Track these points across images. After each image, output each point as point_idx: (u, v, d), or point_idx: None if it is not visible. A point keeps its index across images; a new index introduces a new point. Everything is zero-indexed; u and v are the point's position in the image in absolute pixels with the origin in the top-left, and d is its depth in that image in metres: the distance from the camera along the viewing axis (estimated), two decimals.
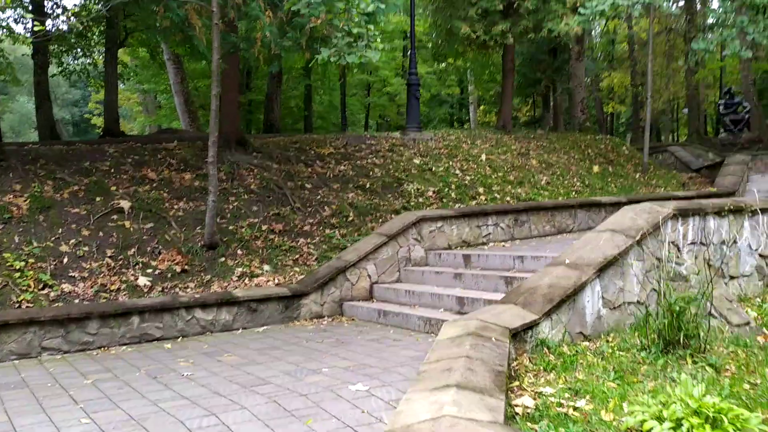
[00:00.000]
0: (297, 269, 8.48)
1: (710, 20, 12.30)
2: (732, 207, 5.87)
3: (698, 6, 28.95)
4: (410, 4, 12.78)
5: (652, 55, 15.14)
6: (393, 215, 10.14)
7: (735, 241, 5.88)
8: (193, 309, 6.61)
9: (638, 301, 5.16)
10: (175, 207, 9.02)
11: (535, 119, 36.78)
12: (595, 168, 13.79)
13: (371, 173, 11.18)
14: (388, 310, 6.75)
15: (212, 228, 8.26)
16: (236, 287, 7.77)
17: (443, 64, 29.74)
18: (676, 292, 5.08)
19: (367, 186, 10.72)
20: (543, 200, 9.85)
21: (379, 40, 8.06)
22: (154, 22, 9.97)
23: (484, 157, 12.61)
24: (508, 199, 11.35)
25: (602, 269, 4.92)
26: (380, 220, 9.93)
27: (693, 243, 5.54)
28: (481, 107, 40.98)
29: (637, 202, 10.52)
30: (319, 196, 10.18)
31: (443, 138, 13.35)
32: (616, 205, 10.08)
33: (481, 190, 11.42)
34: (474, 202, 10.95)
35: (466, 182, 11.56)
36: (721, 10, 12.17)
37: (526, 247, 7.89)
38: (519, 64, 17.21)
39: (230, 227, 8.95)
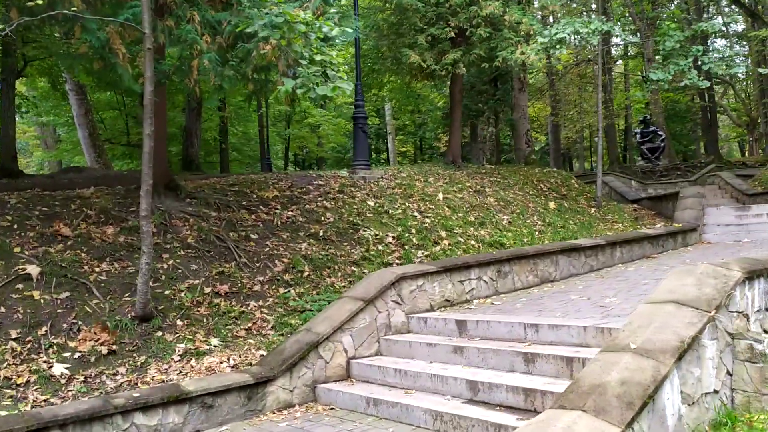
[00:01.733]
0: (251, 341, 7.06)
1: (663, 50, 11.98)
2: None
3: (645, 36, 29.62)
4: (355, 30, 11.72)
5: (600, 87, 14.79)
6: (352, 267, 8.92)
7: None
8: (132, 413, 5.09)
9: (714, 390, 4.19)
10: (97, 270, 7.40)
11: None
12: (551, 204, 13.11)
13: (323, 218, 9.91)
14: (379, 399, 5.48)
15: (146, 296, 6.73)
16: (180, 371, 6.27)
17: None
18: (758, 378, 4.15)
19: (320, 234, 9.44)
20: (523, 247, 8.94)
21: (342, 69, 6.91)
22: (65, 48, 8.39)
23: (440, 196, 11.62)
24: (473, 243, 10.37)
25: (681, 356, 3.91)
26: (339, 274, 8.68)
27: (758, 310, 4.65)
28: (399, 137, 40.60)
29: (615, 243, 9.84)
30: (267, 248, 8.81)
31: (394, 176, 12.29)
32: (595, 248, 9.31)
33: (443, 233, 10.38)
34: (438, 248, 9.90)
35: (427, 225, 10.50)
36: (674, 40, 11.88)
37: (523, 308, 6.85)
38: (450, 97, 16.47)
39: (166, 292, 7.42)
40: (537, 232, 11.45)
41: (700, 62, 11.87)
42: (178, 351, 6.62)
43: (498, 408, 4.84)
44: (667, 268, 8.86)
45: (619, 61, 41.88)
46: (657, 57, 12.14)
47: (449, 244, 10.10)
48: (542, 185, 14.34)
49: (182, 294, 7.45)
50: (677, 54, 12.11)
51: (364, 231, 9.81)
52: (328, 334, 6.25)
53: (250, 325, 7.36)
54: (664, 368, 3.80)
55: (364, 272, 8.87)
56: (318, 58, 6.57)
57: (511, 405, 4.82)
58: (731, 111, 42.81)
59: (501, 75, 16.54)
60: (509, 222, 11.53)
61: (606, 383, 3.76)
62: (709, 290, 4.32)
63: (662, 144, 33.57)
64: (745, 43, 32.31)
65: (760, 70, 12.07)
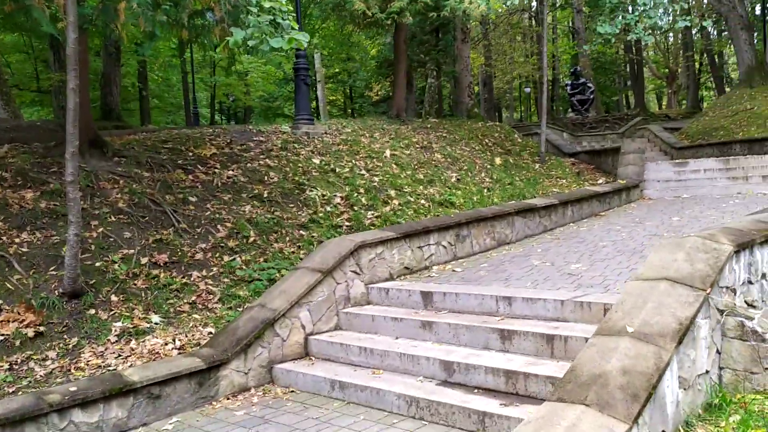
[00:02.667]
0: (197, 317, 6.51)
1: (609, 2, 11.75)
2: None
3: None
4: None
5: (545, 38, 14.50)
6: (301, 231, 8.40)
7: None
8: (70, 410, 4.51)
9: (706, 371, 4.01)
10: (17, 241, 6.59)
11: (389, 95, 35.96)
12: (497, 160, 12.89)
13: (267, 178, 9.28)
14: (345, 381, 5.10)
15: (75, 270, 6.03)
16: (119, 354, 5.68)
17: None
18: (748, 356, 4.00)
19: (265, 195, 8.84)
20: (479, 208, 8.65)
21: (292, 18, 6.24)
22: None
23: (388, 153, 11.15)
24: (423, 202, 10.02)
25: (680, 340, 3.68)
26: (287, 239, 8.15)
27: (743, 283, 4.50)
28: (329, 85, 39.54)
29: (567, 202, 9.71)
30: (208, 212, 8.14)
31: (339, 131, 11.69)
32: (549, 208, 9.15)
33: (392, 193, 9.97)
34: (388, 209, 9.49)
35: (375, 184, 10.04)
36: None
37: (487, 275, 6.56)
38: (394, 48, 15.82)
39: (97, 264, 6.71)
40: (485, 190, 11.21)
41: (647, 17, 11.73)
42: (115, 331, 6.00)
43: (476, 391, 4.54)
44: (620, 228, 8.81)
45: (547, 12, 41.91)
46: (605, 9, 11.92)
47: (399, 204, 9.71)
48: (487, 140, 14.09)
49: (116, 266, 6.76)
50: (620, 6, 11.92)
51: (311, 191, 9.26)
52: (284, 310, 5.78)
53: (194, 298, 6.78)
54: (665, 354, 3.56)
55: (312, 236, 8.38)
56: (267, 5, 5.88)
57: (490, 388, 4.53)
58: (652, 63, 43.89)
59: (443, 25, 15.99)
60: (458, 179, 11.23)
61: (607, 373, 3.48)
62: (702, 266, 4.10)
63: (591, 96, 34.05)
64: None
65: (681, 23, 12.04)
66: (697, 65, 39.45)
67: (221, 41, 6.96)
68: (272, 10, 5.89)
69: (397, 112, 13.58)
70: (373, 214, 9.23)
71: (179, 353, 5.64)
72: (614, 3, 11.83)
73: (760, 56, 22.83)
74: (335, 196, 9.37)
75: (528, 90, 46.59)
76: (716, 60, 39.43)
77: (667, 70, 42.08)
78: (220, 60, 33.38)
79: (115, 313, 6.23)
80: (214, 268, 7.30)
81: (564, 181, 13.05)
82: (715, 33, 38.94)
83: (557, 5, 37.58)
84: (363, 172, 10.29)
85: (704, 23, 12.40)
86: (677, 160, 13.37)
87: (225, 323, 6.37)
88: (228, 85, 35.42)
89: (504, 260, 7.33)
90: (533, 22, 41.12)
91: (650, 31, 12.14)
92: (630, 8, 11.51)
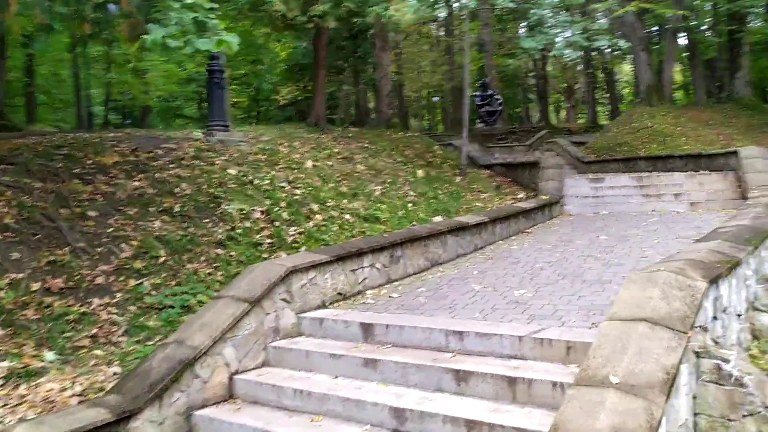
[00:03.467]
0: (99, 353, 5.66)
1: (531, 17, 11.75)
2: (733, 264, 4.69)
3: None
4: None
5: (467, 49, 14.36)
6: (217, 249, 7.65)
7: (726, 308, 4.75)
8: None
9: (685, 420, 3.72)
10: None
11: (297, 100, 35.17)
12: (420, 172, 12.57)
13: (178, 190, 8.43)
14: None
15: None
16: (5, 403, 4.77)
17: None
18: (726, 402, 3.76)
19: (176, 209, 8.01)
20: (416, 226, 8.18)
21: (213, 16, 5.55)
22: None
23: (309, 163, 10.53)
24: (348, 217, 9.48)
25: (669, 392, 3.36)
26: (202, 259, 7.39)
27: (711, 320, 4.28)
28: (234, 87, 38.23)
29: (496, 220, 9.47)
30: (111, 229, 7.24)
31: (256, 139, 10.95)
32: (479, 226, 8.87)
33: (315, 207, 9.36)
34: (311, 224, 8.88)
35: (297, 197, 9.41)
36: (543, 9, 11.65)
37: (428, 302, 6.11)
38: (314, 53, 15.19)
39: None
40: (410, 204, 10.83)
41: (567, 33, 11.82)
42: (1, 372, 5.07)
43: None
44: (551, 248, 8.65)
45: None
46: (528, 23, 11.90)
47: (323, 219, 9.12)
48: (408, 151, 13.75)
49: (1, 293, 5.78)
50: (540, 23, 11.95)
51: (228, 205, 8.51)
52: (206, 347, 5.06)
53: (95, 330, 5.92)
54: (656, 409, 3.21)
55: (231, 255, 7.65)
56: (189, 0, 5.15)
57: None
58: (551, 77, 45.54)
59: (362, 31, 15.53)
60: (382, 193, 10.78)
61: None
62: (679, 305, 3.82)
63: (499, 108, 34.71)
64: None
65: (600, 42, 12.25)
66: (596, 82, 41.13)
67: (130, 38, 6.16)
68: (195, 5, 5.17)
69: (316, 120, 12.97)
70: (295, 231, 8.60)
71: (80, 402, 4.80)
72: (536, 19, 11.84)
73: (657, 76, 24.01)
74: (254, 210, 8.66)
75: (436, 99, 47.09)
76: (612, 78, 41.44)
77: (566, 84, 43.82)
78: (116, 56, 31.39)
79: (0, 351, 5.29)
80: (119, 295, 6.44)
81: (485, 194, 12.91)
82: (610, 51, 40.95)
83: (465, 18, 38.17)
84: (284, 184, 9.62)
85: (621, 44, 12.61)
86: (592, 175, 13.56)
87: (133, 361, 5.57)
88: (125, 83, 33.37)
89: (441, 284, 6.91)
90: (442, 32, 41.60)
91: (570, 49, 12.24)
92: (551, 25, 11.54)
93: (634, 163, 17.17)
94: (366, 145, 12.72)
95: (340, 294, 6.42)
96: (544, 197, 11.63)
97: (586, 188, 12.90)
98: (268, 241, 8.19)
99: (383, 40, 16.06)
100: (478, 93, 34.73)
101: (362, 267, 6.74)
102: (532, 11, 11.33)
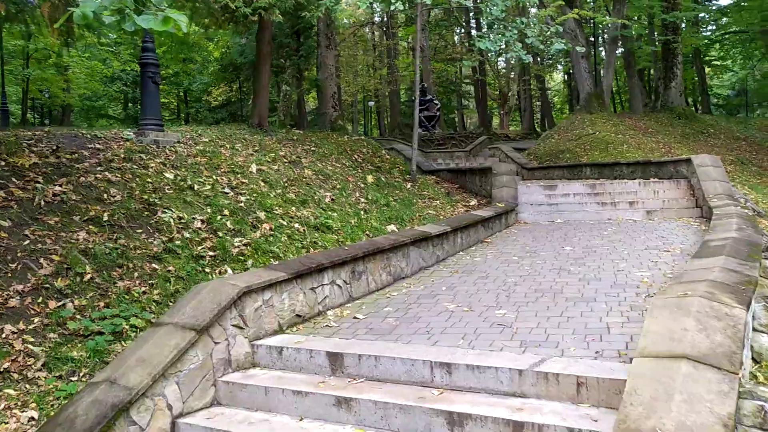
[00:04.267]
0: (12, 392, 4.71)
1: (487, 18, 11.32)
2: (753, 284, 4.20)
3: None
4: None
5: (418, 53, 13.78)
6: (153, 264, 6.74)
7: None
8: None
9: None
10: None
11: (230, 101, 33.93)
12: (369, 178, 11.89)
13: (107, 197, 7.44)
14: None
15: None
16: None
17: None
18: None
19: (105, 218, 7.03)
20: (378, 238, 7.44)
21: None
22: None
23: (254, 167, 9.68)
24: (297, 226, 8.70)
25: None
26: (135, 275, 6.47)
27: None
28: (162, 87, 36.61)
29: (457, 229, 8.90)
30: (27, 241, 6.22)
31: (194, 140, 9.99)
32: (441, 236, 8.27)
33: (262, 215, 8.54)
34: (258, 234, 8.06)
35: (242, 205, 8.56)
36: (499, 8, 11.22)
37: (399, 324, 5.42)
38: (257, 49, 14.26)
39: None
40: (362, 212, 10.14)
41: (524, 35, 11.45)
42: None
43: None
44: (517, 259, 8.15)
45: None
46: (482, 25, 11.44)
47: (271, 229, 8.31)
48: (356, 156, 13.06)
49: None
50: (500, 24, 11.53)
51: (164, 213, 7.58)
52: (144, 387, 4.20)
53: (7, 364, 4.96)
54: None
55: (168, 270, 6.75)
56: None
57: None
58: (486, 84, 45.92)
59: (305, 28, 14.74)
60: (332, 199, 10.04)
61: None
62: (721, 338, 3.29)
63: (438, 113, 34.53)
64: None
65: (557, 45, 11.94)
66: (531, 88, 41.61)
67: (51, 21, 5.24)
68: None
69: (259, 120, 12.08)
70: (241, 242, 7.76)
71: None
72: (491, 20, 11.43)
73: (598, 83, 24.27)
74: (194, 219, 7.77)
75: (372, 104, 46.59)
76: (545, 85, 42.13)
77: (499, 92, 44.22)
78: (35, 51, 29.35)
79: None
80: (36, 319, 5.46)
81: (437, 201, 12.36)
82: (540, 60, 41.64)
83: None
84: (227, 189, 8.75)
85: (578, 48, 12.34)
86: (544, 182, 13.26)
87: (54, 402, 4.65)
88: (44, 80, 31.28)
89: (409, 302, 6.25)
90: (378, 36, 41.20)
91: (526, 52, 11.88)
92: (508, 26, 11.15)
93: (579, 169, 17.10)
94: (313, 149, 11.94)
95: (298, 316, 5.66)
96: (501, 205, 11.17)
97: (540, 195, 12.55)
98: (211, 253, 7.32)
99: (328, 39, 15.30)
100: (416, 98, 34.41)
101: (322, 284, 5.99)
102: (488, 10, 10.88)
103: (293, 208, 9.12)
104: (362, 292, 6.57)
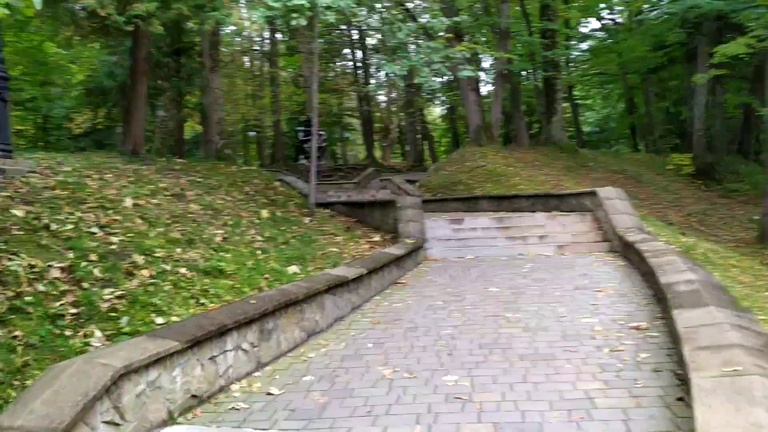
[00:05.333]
0: None
1: (391, 42, 10.59)
2: None
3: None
4: None
5: (316, 78, 12.77)
6: None
7: None
8: None
9: None
10: None
11: (95, 129, 31.19)
12: (264, 213, 10.61)
13: None
14: None
15: None
16: None
17: None
18: None
19: None
20: (289, 286, 6.15)
21: None
22: None
23: (129, 201, 8.15)
24: (184, 271, 7.27)
25: None
26: None
27: None
28: (17, 113, 33.10)
29: (372, 272, 7.87)
30: None
31: (53, 169, 8.30)
32: (358, 280, 7.22)
33: (139, 259, 7.04)
34: (135, 283, 6.57)
35: (114, 247, 7.01)
36: (404, 32, 10.52)
37: (329, 402, 4.26)
38: (132, 66, 12.56)
39: None
40: (260, 252, 8.85)
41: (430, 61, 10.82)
42: None
43: None
44: (442, 304, 7.25)
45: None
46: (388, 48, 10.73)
47: (151, 276, 6.84)
48: (248, 188, 11.73)
49: None
50: (400, 48, 10.85)
51: (10, 261, 5.93)
52: None
53: None
54: None
55: (14, 336, 5.15)
56: None
57: None
58: (372, 115, 45.94)
59: (187, 48, 13.30)
60: (224, 238, 8.68)
61: None
62: None
63: (324, 144, 33.67)
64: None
65: (464, 73, 11.43)
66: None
67: None
68: None
69: (134, 147, 10.48)
70: (113, 293, 6.23)
71: None
72: (395, 43, 10.71)
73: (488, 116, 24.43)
74: (51, 267, 6.16)
75: (253, 134, 44.97)
76: (423, 118, 42.69)
77: (381, 124, 44.29)
78: None
79: None
80: None
81: (339, 238, 11.28)
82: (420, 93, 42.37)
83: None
84: (94, 229, 7.17)
85: (487, 74, 11.88)
86: (449, 216, 12.60)
87: None
88: None
89: (333, 366, 5.10)
90: (259, 64, 39.97)
91: (434, 77, 11.27)
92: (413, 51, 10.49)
93: (476, 202, 16.72)
94: (199, 180, 10.50)
95: (195, 397, 4.33)
96: (410, 241, 10.29)
97: (446, 230, 11.85)
98: (73, 310, 5.76)
99: (214, 60, 13.90)
100: (300, 128, 33.33)
101: (225, 351, 4.71)
102: (393, 34, 10.15)
103: (178, 250, 7.68)
104: (273, 355, 5.34)
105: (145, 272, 6.97)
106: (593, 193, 11.72)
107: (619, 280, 7.99)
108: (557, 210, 13.17)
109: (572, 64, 35.05)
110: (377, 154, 51.30)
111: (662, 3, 28.92)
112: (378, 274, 7.99)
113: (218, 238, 8.57)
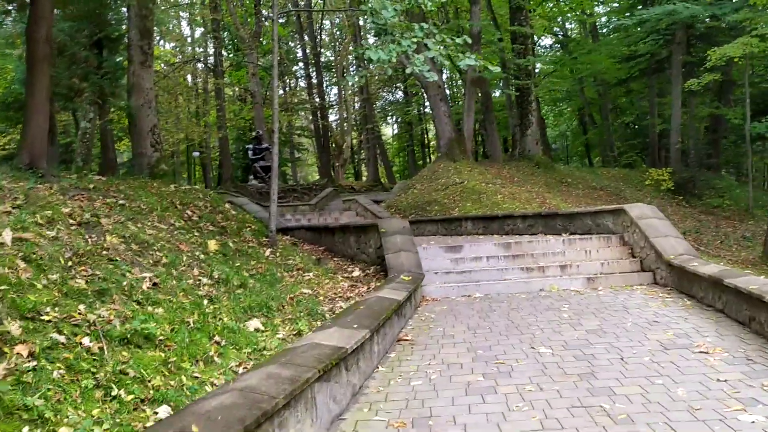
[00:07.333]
0: None
1: (375, 23, 8.32)
2: None
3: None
4: None
5: (276, 95, 10.33)
6: None
7: None
8: None
9: None
10: None
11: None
12: (212, 244, 8.04)
13: None
14: None
15: None
16: None
17: None
18: None
19: None
20: (250, 373, 3.66)
21: None
22: None
23: (7, 235, 5.50)
24: (88, 344, 4.69)
25: None
26: None
27: None
28: None
29: (374, 332, 5.42)
30: None
31: None
32: (358, 350, 4.77)
33: (14, 327, 4.46)
34: (1, 368, 3.98)
35: None
36: (387, 12, 8.24)
37: None
38: (27, 50, 9.74)
39: None
40: (207, 300, 6.31)
41: (425, 47, 8.59)
42: None
43: None
44: (481, 380, 4.88)
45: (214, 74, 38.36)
46: (369, 34, 8.46)
47: (31, 355, 4.26)
48: (190, 212, 9.12)
49: None
50: (385, 31, 8.59)
51: None
52: None
53: None
54: None
55: None
56: None
57: None
58: (329, 132, 43.72)
59: (110, 39, 10.65)
60: (154, 284, 6.11)
61: None
62: None
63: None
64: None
65: (467, 61, 9.26)
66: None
67: None
68: None
69: (31, 159, 7.75)
70: None
71: None
72: (379, 26, 8.44)
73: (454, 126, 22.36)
74: None
75: (197, 154, 41.91)
76: (378, 135, 40.66)
77: (335, 144, 42.01)
78: None
79: None
80: None
81: (309, 274, 8.79)
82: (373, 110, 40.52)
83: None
84: None
85: (491, 67, 9.71)
86: (449, 244, 10.25)
87: None
88: None
89: None
90: (203, 79, 37.22)
91: (429, 68, 9.04)
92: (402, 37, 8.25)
93: (457, 224, 14.46)
94: (121, 202, 7.84)
95: None
96: (406, 278, 7.87)
97: (444, 261, 9.51)
98: None
99: (144, 54, 11.19)
100: (250, 146, 30.52)
101: None
102: (379, 14, 7.88)
103: (82, 307, 5.07)
104: None
105: (21, 348, 4.40)
106: (620, 212, 9.59)
107: (711, 331, 5.79)
108: (565, 232, 11.05)
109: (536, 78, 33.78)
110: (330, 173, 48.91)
111: (627, 15, 27.79)
112: (380, 333, 5.56)
113: (145, 285, 5.99)
